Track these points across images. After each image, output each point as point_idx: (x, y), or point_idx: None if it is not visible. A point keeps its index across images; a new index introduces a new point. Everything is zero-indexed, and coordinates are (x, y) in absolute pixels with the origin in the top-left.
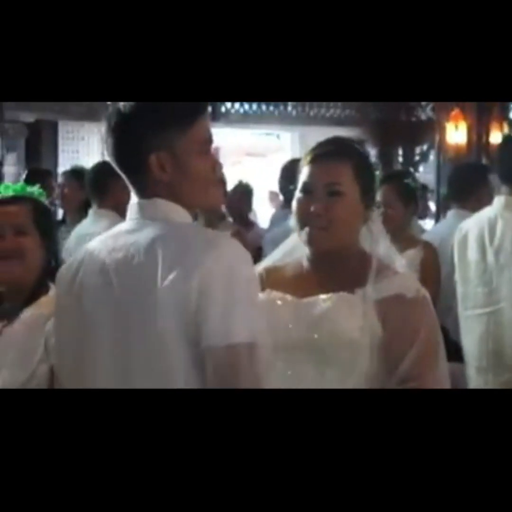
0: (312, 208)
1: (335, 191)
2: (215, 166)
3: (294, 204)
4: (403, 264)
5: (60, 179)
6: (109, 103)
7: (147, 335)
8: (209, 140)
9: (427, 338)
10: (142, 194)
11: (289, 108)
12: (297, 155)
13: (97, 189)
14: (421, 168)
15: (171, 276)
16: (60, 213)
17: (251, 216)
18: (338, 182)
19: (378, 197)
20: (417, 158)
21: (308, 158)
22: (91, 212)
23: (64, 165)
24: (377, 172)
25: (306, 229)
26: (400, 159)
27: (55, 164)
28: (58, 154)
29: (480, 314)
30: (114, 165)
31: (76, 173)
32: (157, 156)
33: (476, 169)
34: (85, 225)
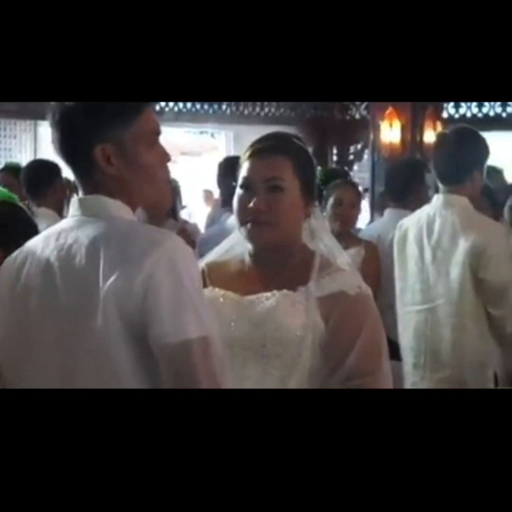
0: (252, 204)
1: (275, 185)
2: (163, 159)
3: (234, 200)
4: (346, 260)
5: None
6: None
7: (91, 335)
8: (156, 131)
9: (371, 335)
10: (87, 189)
11: (224, 106)
12: (231, 153)
13: (35, 188)
14: (355, 167)
15: (114, 275)
16: None
17: (184, 215)
18: (278, 177)
19: (336, 195)
20: (351, 157)
21: (248, 153)
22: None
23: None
24: (318, 168)
25: (247, 224)
26: (334, 157)
27: None
28: None
29: (418, 310)
30: (61, 159)
31: (12, 169)
32: (103, 149)
33: (413, 167)
34: None
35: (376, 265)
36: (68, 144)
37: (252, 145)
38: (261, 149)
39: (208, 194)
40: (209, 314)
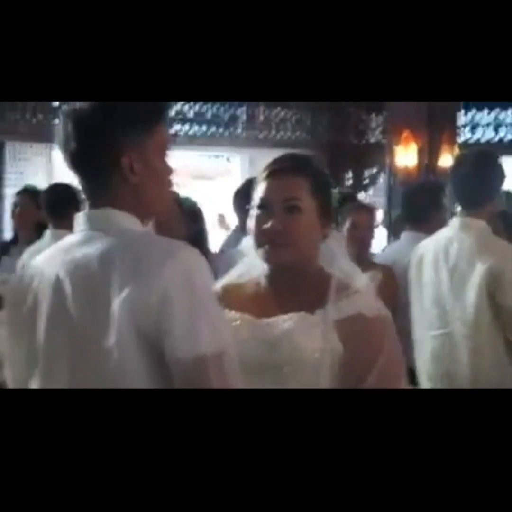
0: (269, 225)
1: (293, 206)
2: (171, 172)
3: (251, 221)
4: (365, 282)
5: (14, 199)
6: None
7: (104, 350)
8: (169, 143)
9: (390, 358)
10: (97, 202)
11: (239, 130)
12: (247, 177)
13: (55, 210)
14: (370, 191)
15: (128, 288)
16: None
17: None
18: (296, 197)
19: (352, 219)
20: (366, 181)
21: (265, 174)
22: (48, 232)
23: (10, 186)
24: (335, 190)
25: (265, 246)
26: (350, 182)
27: (0, 185)
28: (4, 174)
29: (435, 335)
30: (73, 168)
31: (31, 192)
32: (129, 156)
33: (430, 190)
34: (42, 245)
35: (393, 289)
36: (88, 152)
37: (269, 166)
38: (279, 170)
39: (221, 218)
40: (225, 328)
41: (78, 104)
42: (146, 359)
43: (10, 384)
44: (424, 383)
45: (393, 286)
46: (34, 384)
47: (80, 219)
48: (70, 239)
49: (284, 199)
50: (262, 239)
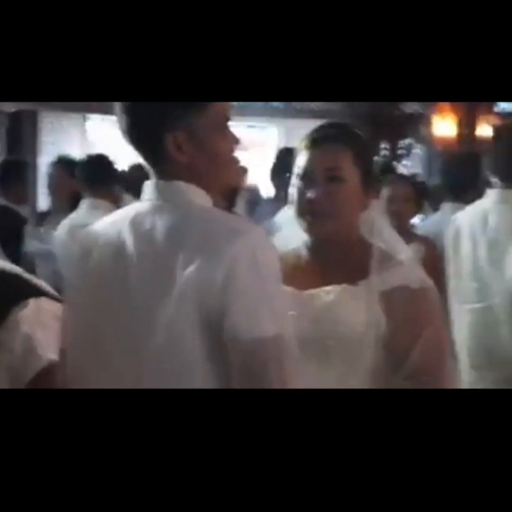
0: (311, 194)
1: (335, 176)
2: (234, 143)
3: (292, 191)
4: (408, 253)
5: (49, 169)
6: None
7: (163, 322)
8: (227, 116)
9: (435, 331)
10: (160, 175)
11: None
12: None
13: (93, 180)
14: (407, 162)
15: (194, 264)
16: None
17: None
18: (338, 167)
19: (391, 191)
20: (402, 151)
21: (306, 143)
22: (85, 202)
23: (44, 155)
24: (376, 159)
25: (307, 216)
26: (385, 152)
27: (35, 154)
28: (38, 144)
29: (473, 309)
30: (129, 144)
31: (66, 162)
32: (174, 137)
33: (471, 161)
34: (80, 215)
35: (436, 261)
36: (138, 130)
37: (310, 134)
38: (320, 139)
39: (253, 188)
40: (287, 309)
41: None
42: (204, 335)
43: (64, 355)
44: (464, 358)
45: (435, 258)
46: (88, 351)
47: (148, 188)
48: (137, 207)
49: (326, 168)
50: (304, 209)
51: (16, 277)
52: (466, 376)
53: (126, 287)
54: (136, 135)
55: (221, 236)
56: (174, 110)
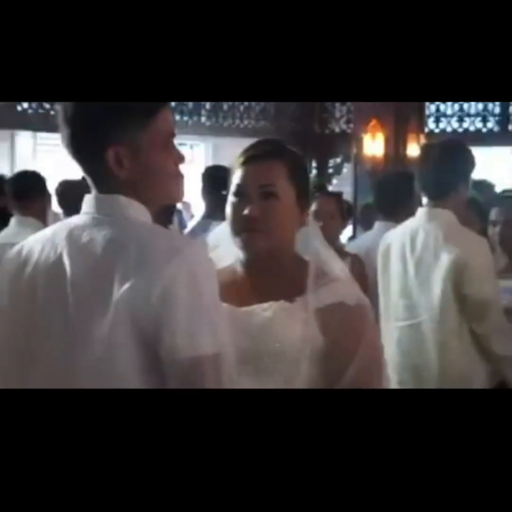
0: (247, 211)
1: (270, 193)
2: (178, 160)
3: (228, 208)
4: (344, 270)
5: None
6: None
7: (97, 336)
8: (171, 133)
9: (370, 347)
10: (100, 188)
11: (203, 118)
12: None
13: (22, 197)
14: (335, 181)
15: (130, 281)
16: None
17: None
18: (273, 184)
19: (317, 207)
20: (330, 171)
21: (241, 159)
22: (14, 220)
23: None
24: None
25: (242, 234)
26: (314, 171)
27: None
28: None
29: (402, 326)
30: (71, 157)
31: None
32: (116, 151)
33: (403, 179)
34: (8, 233)
35: (363, 279)
36: (79, 143)
37: (245, 152)
38: (255, 155)
39: (186, 205)
40: (224, 328)
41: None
42: (139, 351)
43: None
44: (392, 375)
45: (363, 276)
46: (23, 367)
47: (88, 201)
48: (75, 220)
49: (261, 185)
50: (239, 226)
51: None
52: None
53: (61, 300)
54: (77, 147)
55: (160, 253)
56: (118, 123)
